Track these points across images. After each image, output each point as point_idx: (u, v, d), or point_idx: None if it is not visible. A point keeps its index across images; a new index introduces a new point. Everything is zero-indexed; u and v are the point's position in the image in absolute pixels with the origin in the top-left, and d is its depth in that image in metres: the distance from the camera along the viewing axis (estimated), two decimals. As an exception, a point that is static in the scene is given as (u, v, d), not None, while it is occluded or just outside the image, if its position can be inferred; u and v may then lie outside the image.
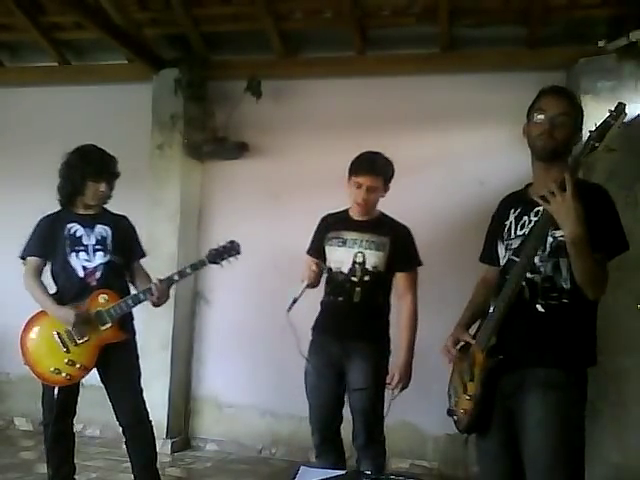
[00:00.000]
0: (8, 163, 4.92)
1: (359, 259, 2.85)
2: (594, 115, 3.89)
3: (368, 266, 2.84)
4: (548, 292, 1.90)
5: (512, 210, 2.06)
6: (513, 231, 2.02)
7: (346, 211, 2.99)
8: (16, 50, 4.99)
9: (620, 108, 1.74)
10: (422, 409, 4.05)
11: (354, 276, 2.85)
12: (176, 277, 2.89)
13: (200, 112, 4.48)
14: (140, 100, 4.48)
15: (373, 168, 2.85)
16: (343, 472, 2.13)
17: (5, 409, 4.78)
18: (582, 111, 1.98)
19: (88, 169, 2.91)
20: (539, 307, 1.91)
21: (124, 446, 4.09)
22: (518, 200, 2.08)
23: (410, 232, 2.98)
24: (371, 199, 2.87)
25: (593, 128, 1.78)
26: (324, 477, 1.93)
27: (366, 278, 2.84)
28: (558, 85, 2.03)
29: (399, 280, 2.93)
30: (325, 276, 2.97)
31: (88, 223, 2.96)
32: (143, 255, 3.13)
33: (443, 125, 4.19)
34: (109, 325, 2.81)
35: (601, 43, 3.83)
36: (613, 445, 3.54)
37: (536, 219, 1.93)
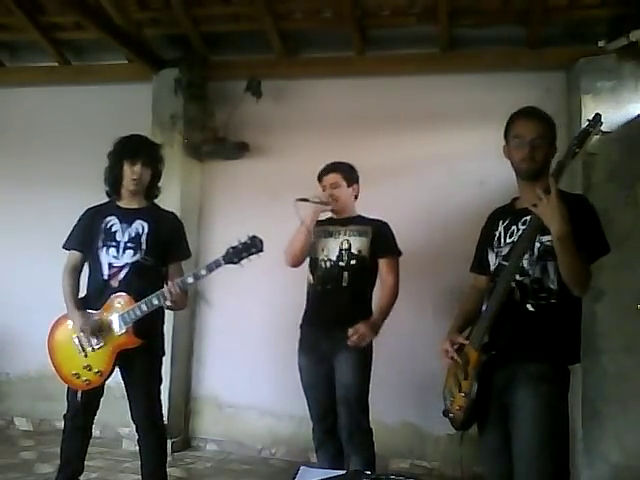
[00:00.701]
0: (8, 163, 4.92)
1: (345, 246, 3.04)
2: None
3: (354, 250, 3.03)
4: (537, 293, 2.03)
5: (501, 221, 2.20)
6: (503, 240, 2.16)
7: (329, 217, 3.20)
8: (16, 50, 4.99)
9: (597, 118, 1.89)
10: (422, 409, 4.05)
11: (342, 261, 3.03)
12: (190, 280, 2.75)
13: (200, 112, 4.48)
14: (140, 100, 4.48)
15: (329, 168, 3.16)
16: (343, 472, 2.14)
17: (5, 409, 4.78)
18: (554, 127, 2.13)
19: (124, 151, 2.86)
20: (529, 307, 2.04)
21: (124, 445, 4.15)
22: (506, 212, 2.22)
23: (389, 226, 3.17)
24: (337, 194, 3.09)
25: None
26: (324, 477, 1.93)
27: (353, 262, 3.02)
28: (529, 107, 2.17)
29: (381, 266, 3.09)
30: (309, 266, 3.12)
31: (127, 218, 2.88)
32: (184, 256, 3.00)
33: (443, 125, 4.18)
34: (124, 330, 2.75)
35: (601, 43, 3.83)
36: (613, 445, 3.55)
37: (524, 227, 2.06)
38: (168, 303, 2.75)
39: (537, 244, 2.02)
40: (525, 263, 2.03)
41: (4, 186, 4.89)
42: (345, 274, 3.00)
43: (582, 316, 2.14)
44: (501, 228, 2.18)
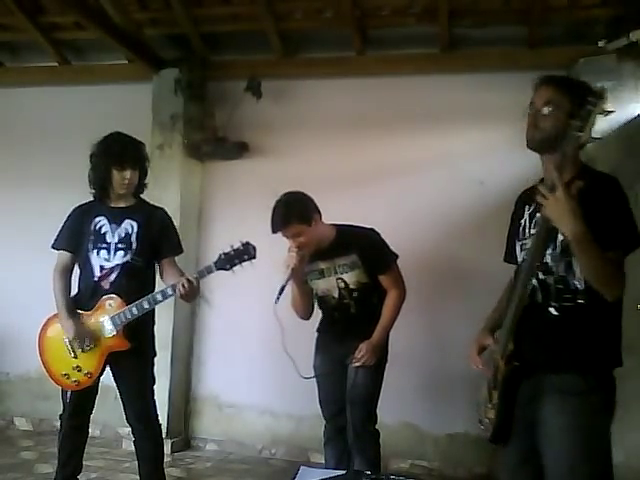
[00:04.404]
0: (8, 163, 4.92)
1: (341, 284, 2.99)
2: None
3: (352, 286, 2.98)
4: (561, 293, 1.81)
5: (527, 207, 1.99)
6: (527, 230, 1.96)
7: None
8: (16, 50, 4.99)
9: (599, 93, 1.66)
10: (422, 409, 4.05)
11: (345, 299, 3.00)
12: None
13: (200, 112, 4.48)
14: (140, 100, 4.48)
15: (282, 222, 2.86)
16: (343, 472, 2.14)
17: (5, 409, 4.78)
18: (579, 95, 1.74)
19: (110, 158, 2.81)
20: (552, 310, 1.82)
21: (124, 445, 4.15)
22: (532, 196, 1.95)
23: (374, 236, 3.04)
24: (304, 241, 2.87)
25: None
26: (324, 477, 1.94)
27: (355, 294, 2.99)
28: (555, 74, 1.94)
29: (382, 281, 3.01)
30: (316, 300, 3.11)
31: (116, 218, 2.86)
32: (175, 252, 2.95)
33: (443, 125, 4.18)
34: (114, 333, 2.74)
35: (601, 43, 3.82)
36: (613, 445, 3.53)
37: None
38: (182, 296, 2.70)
39: (560, 237, 1.78)
40: (548, 259, 1.81)
41: (4, 186, 4.90)
42: (351, 303, 3.00)
43: (622, 313, 1.85)
44: (527, 215, 1.96)
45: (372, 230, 3.06)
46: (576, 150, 1.77)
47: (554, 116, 1.81)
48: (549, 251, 1.81)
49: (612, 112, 1.66)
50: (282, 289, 2.90)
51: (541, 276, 1.83)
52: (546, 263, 1.82)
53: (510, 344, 1.85)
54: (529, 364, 1.84)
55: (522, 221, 1.98)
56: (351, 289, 2.98)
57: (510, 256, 2.08)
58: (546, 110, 1.82)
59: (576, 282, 1.78)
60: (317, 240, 2.94)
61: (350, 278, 2.97)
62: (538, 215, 1.86)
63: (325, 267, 3.00)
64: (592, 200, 1.70)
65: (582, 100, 1.67)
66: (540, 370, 1.83)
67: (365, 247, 2.97)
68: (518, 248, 1.99)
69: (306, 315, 3.12)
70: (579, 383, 1.77)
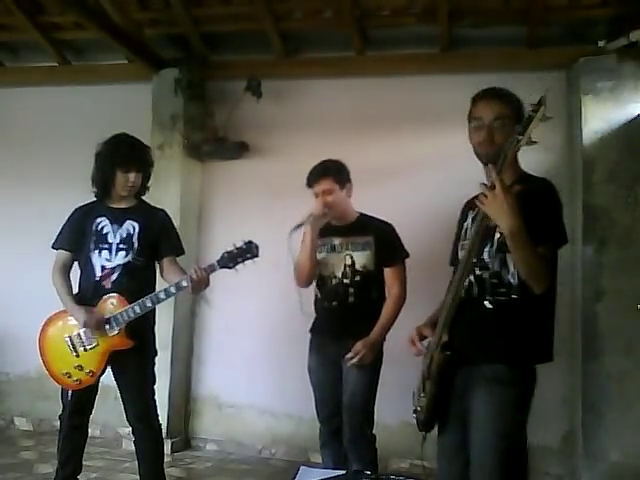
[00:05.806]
0: (8, 163, 4.92)
1: (348, 261, 2.99)
2: (594, 115, 3.90)
3: (358, 267, 2.99)
4: (496, 288, 1.91)
5: (470, 212, 2.11)
6: (469, 232, 2.05)
7: (330, 223, 3.08)
8: (16, 50, 4.99)
9: (540, 101, 1.75)
10: (422, 409, 4.05)
11: (346, 278, 2.99)
12: (184, 283, 2.73)
13: (200, 112, 4.48)
14: (140, 100, 4.48)
15: (319, 172, 3.00)
16: (343, 472, 2.14)
17: (5, 409, 4.78)
18: (521, 107, 1.96)
19: (116, 158, 2.82)
20: (487, 303, 1.92)
21: (124, 445, 4.15)
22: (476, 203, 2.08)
23: (392, 228, 3.11)
24: (331, 201, 2.96)
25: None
26: (324, 477, 1.94)
27: (357, 278, 2.98)
28: (492, 87, 2.11)
29: (386, 274, 3.04)
30: (316, 282, 3.10)
31: (117, 218, 2.88)
32: (176, 252, 2.97)
33: (443, 125, 4.17)
34: (116, 331, 2.75)
35: (601, 43, 3.82)
36: (613, 444, 3.55)
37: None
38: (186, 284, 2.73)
39: (497, 234, 1.90)
40: (485, 256, 1.92)
41: (4, 186, 4.90)
42: (351, 290, 2.98)
43: (554, 310, 1.99)
44: (469, 219, 2.08)
45: (391, 225, 3.12)
46: (515, 157, 1.91)
47: (505, 129, 1.93)
48: (487, 248, 1.92)
49: (551, 118, 1.76)
50: (299, 226, 2.95)
51: (477, 272, 1.93)
52: (483, 259, 1.93)
53: (445, 335, 1.94)
54: (462, 355, 1.92)
55: (465, 224, 2.10)
56: (355, 270, 2.98)
57: (455, 260, 2.16)
58: (498, 124, 1.96)
59: (510, 277, 1.89)
60: (342, 208, 3.03)
61: (358, 258, 2.99)
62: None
63: (338, 243, 3.04)
64: (528, 201, 1.80)
65: (521, 107, 1.89)
66: (473, 360, 1.92)
67: (382, 234, 3.04)
68: (460, 250, 2.09)
69: (306, 282, 3.09)
70: (507, 374, 1.88)
